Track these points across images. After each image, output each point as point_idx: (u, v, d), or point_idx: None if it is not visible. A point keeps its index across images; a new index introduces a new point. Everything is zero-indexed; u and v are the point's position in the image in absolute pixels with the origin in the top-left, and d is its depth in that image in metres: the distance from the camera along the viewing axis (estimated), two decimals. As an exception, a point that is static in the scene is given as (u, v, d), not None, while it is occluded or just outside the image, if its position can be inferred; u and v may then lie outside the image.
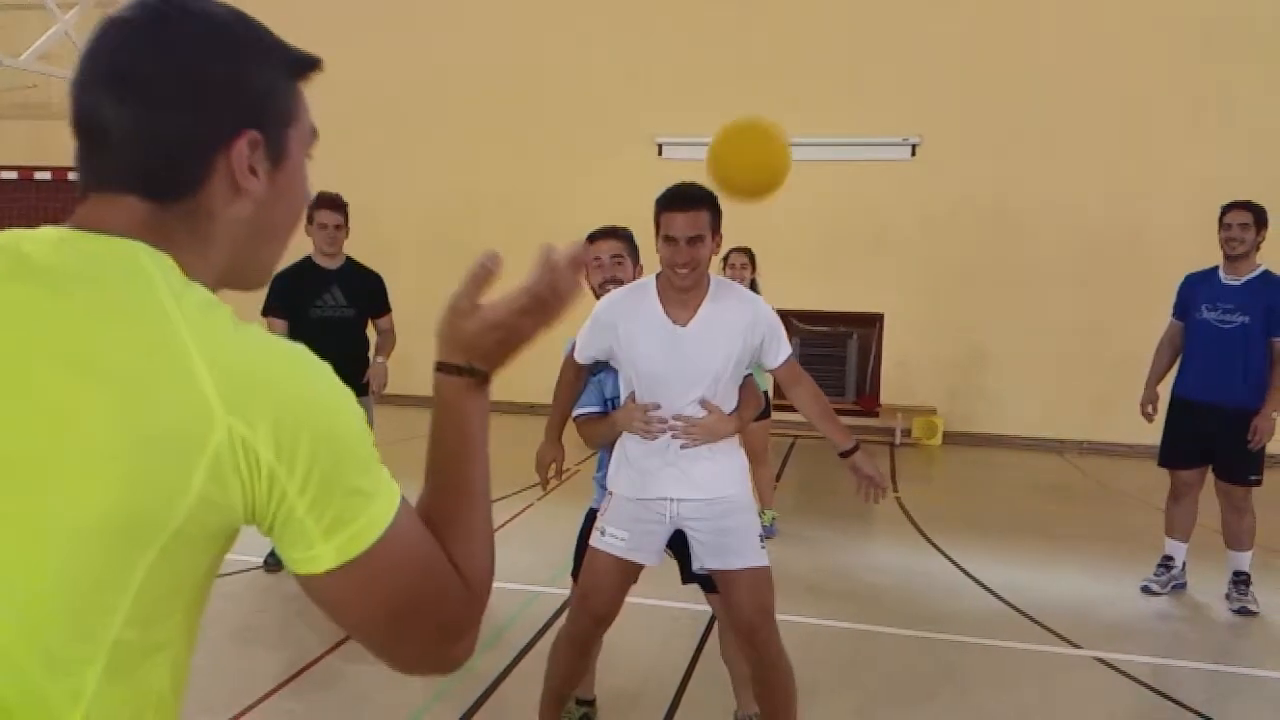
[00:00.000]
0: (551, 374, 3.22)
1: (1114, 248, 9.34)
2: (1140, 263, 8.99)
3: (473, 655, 1.03)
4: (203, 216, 0.94)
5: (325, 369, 0.91)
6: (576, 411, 3.19)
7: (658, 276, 2.97)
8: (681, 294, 2.90)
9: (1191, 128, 9.13)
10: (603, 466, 3.25)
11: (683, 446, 2.93)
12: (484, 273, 1.06)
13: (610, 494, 3.06)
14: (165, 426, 0.82)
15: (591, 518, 3.21)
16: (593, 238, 3.39)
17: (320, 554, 0.89)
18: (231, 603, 4.61)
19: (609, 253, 3.34)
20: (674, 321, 2.91)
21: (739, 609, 2.97)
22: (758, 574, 2.96)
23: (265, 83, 0.97)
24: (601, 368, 3.15)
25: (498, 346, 1.06)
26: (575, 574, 3.26)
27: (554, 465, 3.24)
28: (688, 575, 3.28)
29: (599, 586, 3.03)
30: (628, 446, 3.02)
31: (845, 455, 3.11)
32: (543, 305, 1.07)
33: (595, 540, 3.04)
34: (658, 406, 2.92)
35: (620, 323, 2.94)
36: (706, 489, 2.96)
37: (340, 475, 0.88)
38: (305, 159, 1.03)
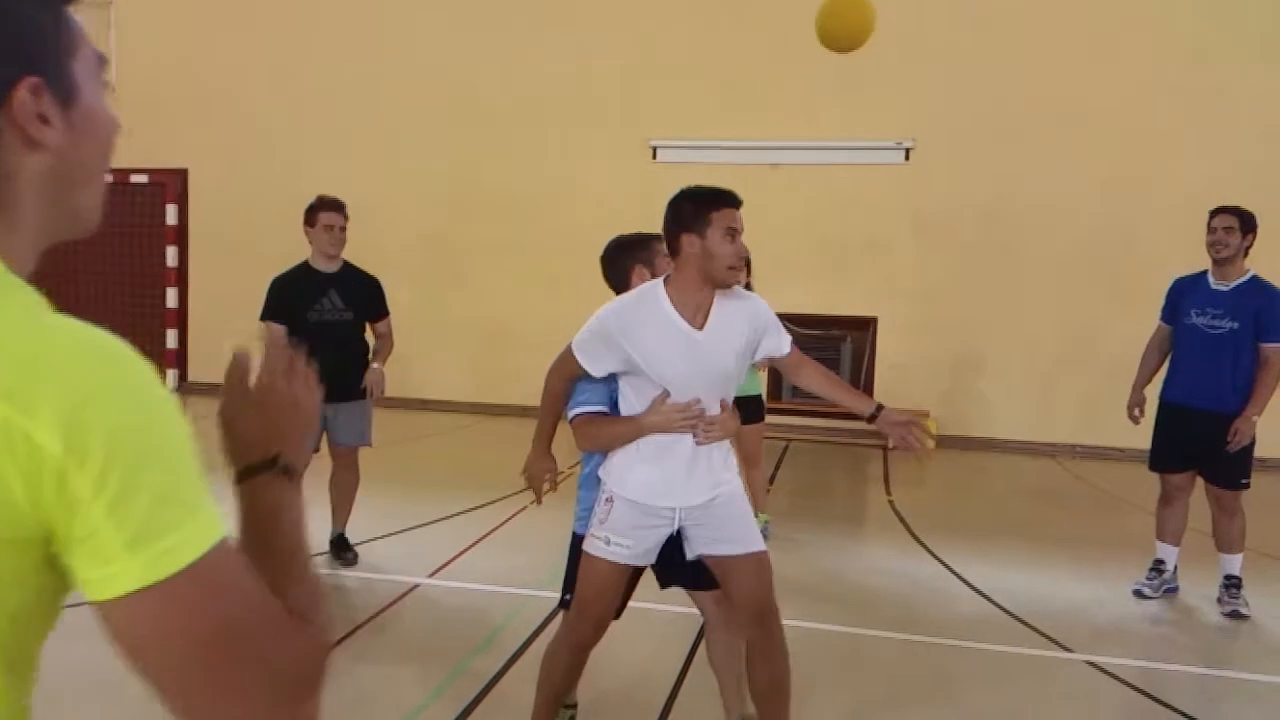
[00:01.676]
0: (542, 377, 3.16)
1: (1107, 251, 9.38)
2: (1134, 267, 9.02)
3: None
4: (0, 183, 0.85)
5: (141, 365, 0.81)
6: (580, 410, 3.07)
7: (665, 281, 2.97)
8: (699, 296, 2.92)
9: (1186, 132, 9.16)
10: (585, 486, 3.21)
11: (699, 443, 2.96)
12: (241, 371, 1.04)
13: (610, 501, 3.01)
14: None
15: (577, 543, 3.18)
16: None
17: (121, 571, 0.75)
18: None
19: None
20: (690, 325, 2.92)
21: (749, 592, 2.99)
22: (762, 557, 3.02)
23: (28, 18, 0.85)
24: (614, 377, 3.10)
25: (286, 416, 1.03)
26: (564, 601, 3.22)
27: (549, 476, 3.20)
28: (665, 580, 3.29)
29: (603, 594, 3.03)
30: (644, 450, 2.97)
31: (873, 418, 3.09)
32: (279, 366, 1.06)
33: (598, 549, 3.01)
34: (698, 401, 2.93)
35: (635, 331, 2.90)
36: (714, 487, 3.00)
37: (147, 475, 0.76)
38: (100, 87, 0.92)
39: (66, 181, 0.89)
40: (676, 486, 2.97)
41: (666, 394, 2.93)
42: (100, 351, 0.79)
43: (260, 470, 1.00)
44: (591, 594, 3.04)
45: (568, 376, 3.07)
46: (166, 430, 0.79)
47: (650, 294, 2.97)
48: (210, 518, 0.80)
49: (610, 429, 3.05)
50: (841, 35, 4.57)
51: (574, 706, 3.56)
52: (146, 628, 0.77)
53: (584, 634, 3.08)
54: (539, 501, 3.25)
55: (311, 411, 1.07)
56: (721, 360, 2.96)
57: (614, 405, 3.09)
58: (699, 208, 2.88)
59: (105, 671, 0.82)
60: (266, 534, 0.95)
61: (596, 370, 2.98)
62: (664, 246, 3.19)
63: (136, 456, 0.76)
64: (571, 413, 3.10)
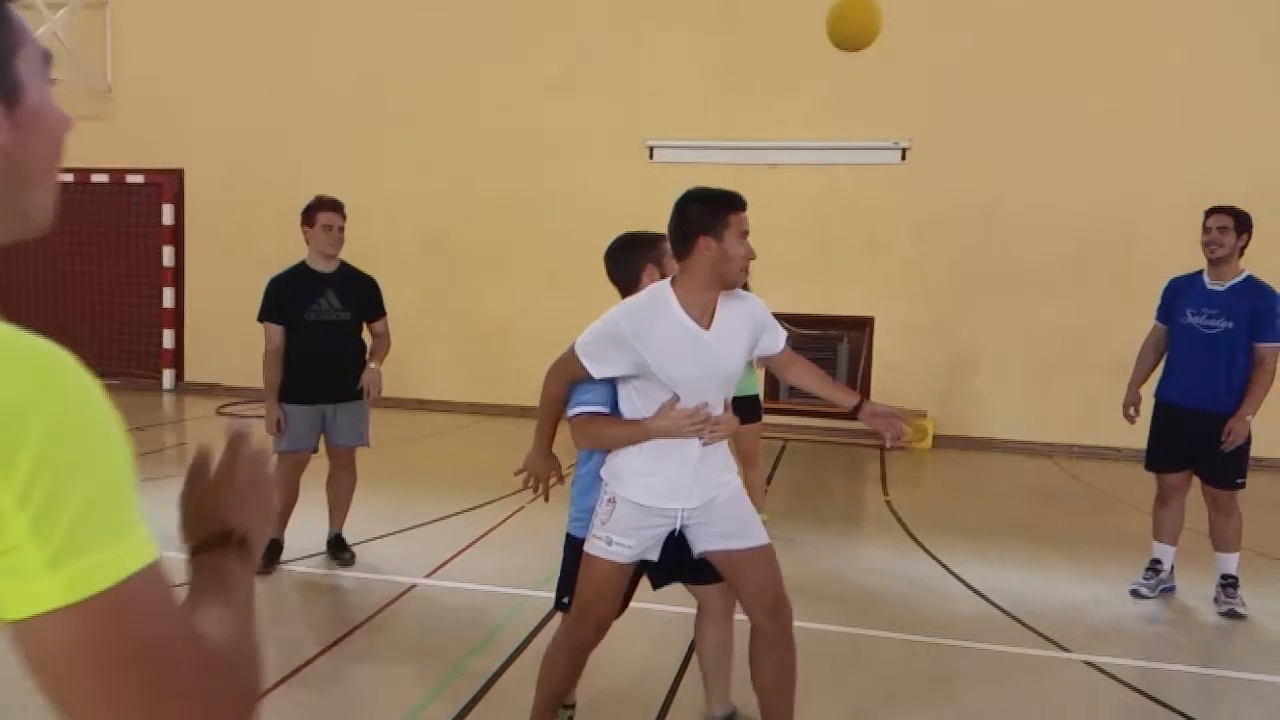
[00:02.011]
0: (540, 377, 3.16)
1: (1104, 251, 9.39)
2: (1130, 267, 9.04)
3: None
4: None
5: (83, 377, 0.77)
6: (581, 409, 3.04)
7: (673, 283, 2.96)
8: (707, 297, 2.93)
9: (1183, 132, 9.18)
10: (582, 488, 3.21)
11: (705, 444, 2.97)
12: (204, 462, 1.06)
13: (613, 502, 3.00)
14: None
15: (573, 545, 3.18)
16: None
17: (42, 589, 0.71)
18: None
19: None
20: (698, 326, 2.93)
21: (761, 585, 3.01)
22: (769, 550, 3.05)
23: None
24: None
25: (245, 495, 1.04)
26: (561, 604, 3.22)
27: (554, 475, 3.20)
28: (660, 580, 3.29)
29: (604, 594, 3.03)
30: (648, 452, 2.97)
31: (855, 411, 3.16)
32: (242, 450, 1.08)
33: (599, 550, 3.01)
34: (706, 405, 2.94)
35: (646, 333, 2.89)
36: (716, 487, 3.02)
37: (75, 487, 0.72)
38: (47, 85, 0.89)
39: (14, 182, 0.86)
40: (681, 488, 2.97)
41: (676, 398, 2.93)
42: (38, 361, 0.75)
43: (217, 544, 1.00)
44: (592, 595, 3.03)
45: (568, 378, 3.05)
46: (102, 444, 0.75)
47: (660, 295, 2.95)
48: (141, 540, 0.76)
49: (613, 430, 3.03)
50: (849, 34, 4.68)
51: (573, 706, 3.56)
52: (63, 650, 0.72)
53: (584, 635, 3.07)
54: (546, 498, 3.26)
55: (270, 494, 1.09)
56: (728, 359, 2.99)
57: (615, 406, 3.06)
58: (715, 211, 2.88)
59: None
60: (214, 597, 0.94)
61: (600, 373, 2.95)
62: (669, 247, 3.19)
63: (65, 468, 0.72)
64: (572, 411, 3.07)
